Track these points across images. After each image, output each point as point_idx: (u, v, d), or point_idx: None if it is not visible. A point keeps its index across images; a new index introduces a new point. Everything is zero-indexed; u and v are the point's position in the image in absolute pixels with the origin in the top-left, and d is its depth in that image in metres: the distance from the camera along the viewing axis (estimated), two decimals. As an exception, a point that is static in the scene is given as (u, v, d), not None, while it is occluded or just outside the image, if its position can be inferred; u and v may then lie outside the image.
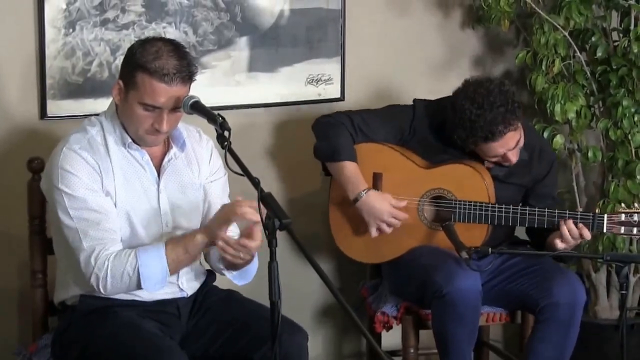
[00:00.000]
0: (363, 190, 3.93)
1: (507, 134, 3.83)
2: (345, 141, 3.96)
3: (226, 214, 3.24)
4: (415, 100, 4.09)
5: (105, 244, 3.24)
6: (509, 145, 3.86)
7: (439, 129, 4.00)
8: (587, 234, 3.84)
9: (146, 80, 3.23)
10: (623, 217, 3.84)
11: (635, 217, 3.83)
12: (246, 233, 3.23)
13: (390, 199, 3.94)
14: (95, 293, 3.31)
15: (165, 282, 3.29)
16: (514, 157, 3.90)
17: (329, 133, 3.98)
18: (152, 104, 3.25)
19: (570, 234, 3.82)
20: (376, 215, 3.94)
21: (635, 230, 3.83)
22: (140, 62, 3.24)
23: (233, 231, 3.35)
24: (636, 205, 3.92)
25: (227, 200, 3.51)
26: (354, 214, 4.02)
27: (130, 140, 3.35)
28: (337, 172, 3.98)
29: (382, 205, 3.93)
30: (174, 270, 3.29)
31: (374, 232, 3.96)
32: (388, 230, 3.95)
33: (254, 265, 3.38)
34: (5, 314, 3.96)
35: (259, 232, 3.18)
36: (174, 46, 3.31)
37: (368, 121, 4.01)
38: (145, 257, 3.24)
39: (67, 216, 3.26)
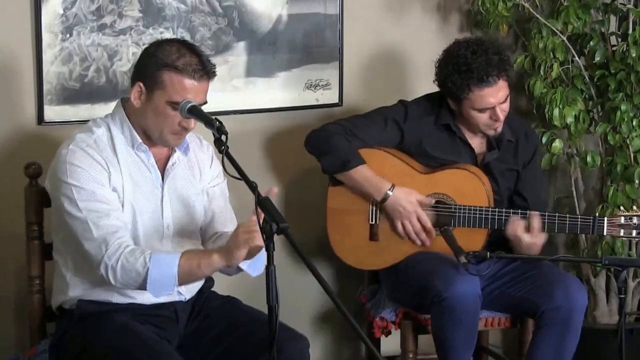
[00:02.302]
0: (389, 189, 3.93)
1: (500, 81, 3.87)
2: (348, 147, 3.96)
3: (244, 241, 3.15)
4: (401, 100, 4.09)
5: (116, 232, 3.23)
6: (500, 96, 3.88)
7: (435, 119, 4.02)
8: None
9: (175, 79, 3.25)
10: (622, 219, 3.85)
11: (635, 220, 3.84)
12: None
13: (417, 195, 3.95)
14: (93, 297, 3.32)
15: (171, 291, 3.27)
16: (502, 113, 3.90)
17: (329, 145, 3.97)
18: (181, 100, 3.26)
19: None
20: (402, 214, 3.94)
21: (634, 232, 3.85)
22: (166, 61, 3.26)
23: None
24: (634, 207, 3.92)
25: (227, 205, 3.54)
26: (352, 222, 4.02)
27: (140, 141, 3.36)
28: (352, 180, 3.97)
29: (409, 205, 3.93)
30: (183, 282, 3.27)
31: (399, 228, 3.96)
32: (412, 230, 3.95)
33: (264, 254, 3.37)
34: (3, 320, 3.95)
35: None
36: (190, 45, 3.36)
37: (359, 125, 4.01)
38: (157, 261, 3.20)
39: (76, 208, 3.24)
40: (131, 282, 3.23)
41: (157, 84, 3.27)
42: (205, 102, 3.31)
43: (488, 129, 3.95)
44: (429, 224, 3.96)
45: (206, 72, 3.29)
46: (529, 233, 3.86)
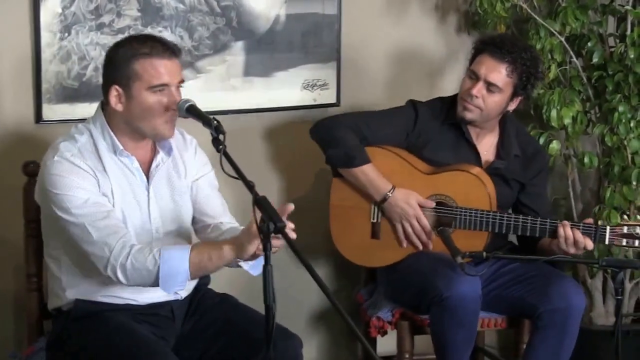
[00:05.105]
0: (389, 191, 3.94)
1: (495, 58, 3.89)
2: (355, 144, 3.96)
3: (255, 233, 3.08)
4: (412, 100, 4.09)
5: (117, 233, 3.21)
6: (483, 69, 3.89)
7: (444, 118, 4.02)
8: (590, 244, 3.84)
9: (147, 63, 3.25)
10: (625, 229, 3.82)
11: (638, 230, 3.80)
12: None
13: (417, 197, 3.95)
14: (90, 297, 3.32)
15: (183, 286, 3.24)
16: (477, 91, 3.89)
17: (337, 139, 3.97)
18: (160, 82, 3.26)
19: (575, 240, 3.82)
20: (402, 216, 3.95)
21: (637, 242, 3.81)
22: (132, 53, 3.27)
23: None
24: (639, 217, 3.91)
25: (217, 195, 3.53)
26: (355, 219, 4.03)
27: (121, 147, 3.34)
28: (356, 177, 3.98)
29: (407, 207, 3.94)
30: (195, 275, 3.24)
31: (399, 229, 3.98)
32: (411, 233, 3.96)
33: None
34: (1, 317, 3.96)
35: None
36: (147, 34, 3.41)
37: (368, 122, 4.01)
38: (168, 258, 3.18)
39: (71, 216, 3.23)
40: (143, 280, 3.21)
41: (132, 77, 3.26)
42: (183, 80, 3.32)
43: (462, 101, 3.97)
44: (428, 227, 3.96)
45: (172, 49, 3.30)
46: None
